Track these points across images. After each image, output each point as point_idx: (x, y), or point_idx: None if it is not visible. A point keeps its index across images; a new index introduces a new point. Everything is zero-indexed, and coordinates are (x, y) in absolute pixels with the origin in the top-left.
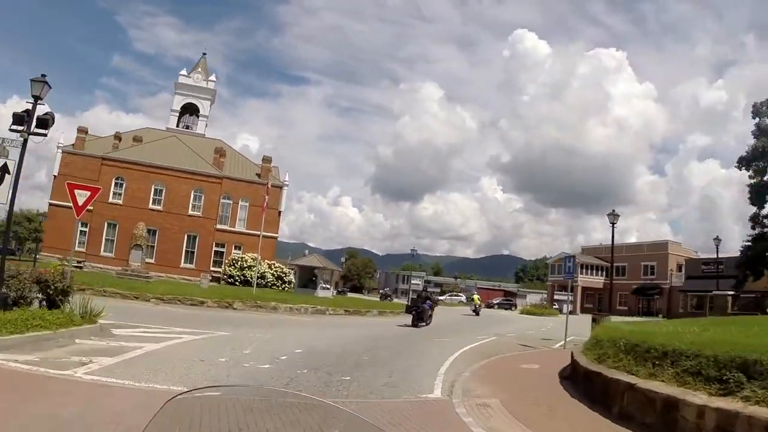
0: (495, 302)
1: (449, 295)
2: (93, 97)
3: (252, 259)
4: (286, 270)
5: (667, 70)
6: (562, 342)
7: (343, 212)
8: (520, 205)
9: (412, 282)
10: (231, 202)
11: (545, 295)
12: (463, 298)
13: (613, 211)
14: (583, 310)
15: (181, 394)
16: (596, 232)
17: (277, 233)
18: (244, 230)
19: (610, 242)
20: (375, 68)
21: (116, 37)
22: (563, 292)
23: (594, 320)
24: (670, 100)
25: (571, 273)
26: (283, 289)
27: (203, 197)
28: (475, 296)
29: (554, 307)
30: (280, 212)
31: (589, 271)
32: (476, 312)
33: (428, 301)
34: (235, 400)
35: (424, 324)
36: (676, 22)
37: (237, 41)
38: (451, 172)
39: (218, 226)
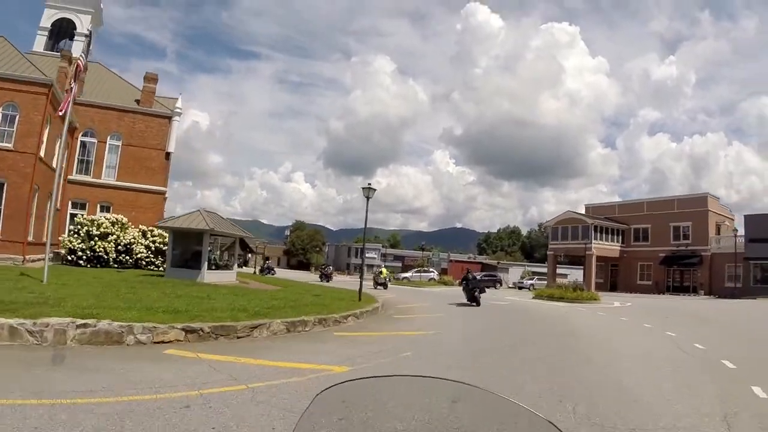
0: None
1: (415, 271)
2: None
3: (112, 222)
4: None
5: (619, 46)
6: None
7: (296, 188)
8: (472, 178)
9: (367, 255)
10: (96, 140)
11: (527, 269)
12: (435, 275)
13: None
14: (596, 287)
15: (332, 386)
16: (549, 204)
17: (164, 185)
18: (114, 182)
19: (617, 200)
20: (326, 42)
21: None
22: (569, 266)
23: None
24: (622, 74)
25: None
26: (160, 269)
27: (18, 118)
28: (384, 269)
29: (573, 284)
30: (168, 154)
31: (602, 235)
32: (384, 286)
33: (477, 281)
34: (390, 389)
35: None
36: None
37: (185, 16)
38: (404, 145)
39: (75, 177)
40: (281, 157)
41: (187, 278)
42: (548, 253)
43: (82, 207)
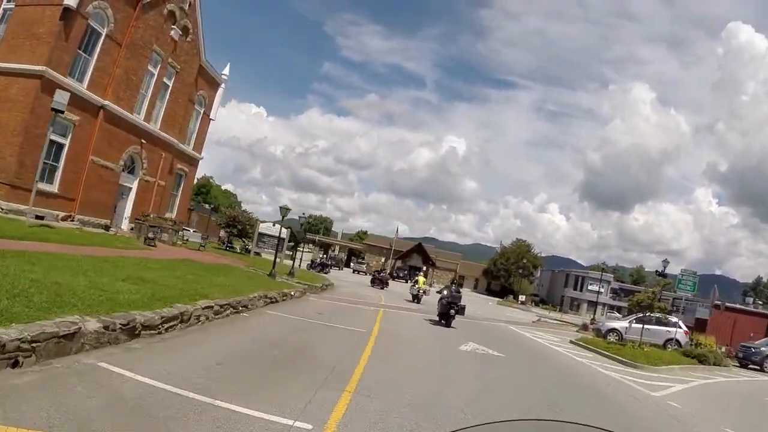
0: (763, 349)
1: (637, 318)
2: (305, 101)
3: None
4: None
5: None
6: None
7: (550, 219)
8: (736, 220)
9: (590, 287)
10: None
11: None
12: (682, 332)
13: None
14: None
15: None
16: None
17: (44, 64)
18: None
19: None
20: (583, 71)
21: (325, 45)
22: None
23: None
24: None
25: None
26: None
27: None
28: (420, 278)
29: None
30: (67, 10)
31: None
32: (417, 299)
33: (459, 298)
34: None
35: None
36: None
37: (441, 48)
38: (664, 180)
39: None
40: (536, 187)
41: None
42: None
43: None
